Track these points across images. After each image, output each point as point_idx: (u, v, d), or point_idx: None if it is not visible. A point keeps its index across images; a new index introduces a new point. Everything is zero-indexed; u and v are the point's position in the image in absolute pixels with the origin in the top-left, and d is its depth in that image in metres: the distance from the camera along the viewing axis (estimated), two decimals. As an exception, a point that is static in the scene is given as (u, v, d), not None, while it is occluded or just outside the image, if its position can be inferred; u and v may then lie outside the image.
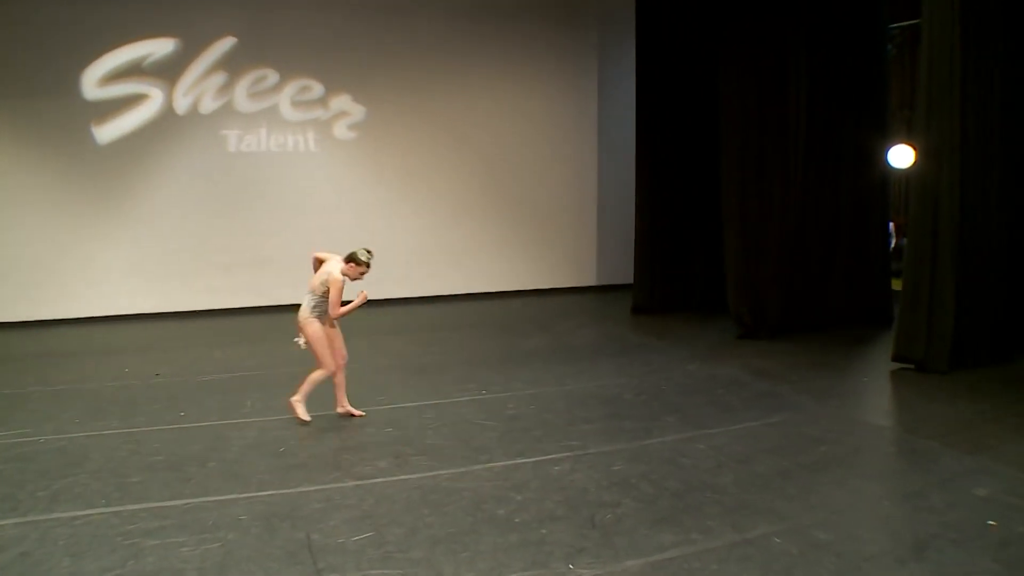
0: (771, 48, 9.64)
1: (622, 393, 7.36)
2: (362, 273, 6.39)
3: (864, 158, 10.23)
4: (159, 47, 11.13)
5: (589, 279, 13.88)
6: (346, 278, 6.33)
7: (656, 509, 4.78)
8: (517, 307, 12.55)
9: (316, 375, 6.51)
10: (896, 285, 9.34)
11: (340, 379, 6.64)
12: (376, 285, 12.25)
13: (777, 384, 7.61)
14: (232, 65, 11.54)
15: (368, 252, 6.38)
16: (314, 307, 6.40)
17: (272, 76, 11.78)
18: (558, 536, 4.44)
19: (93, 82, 10.90)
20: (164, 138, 11.31)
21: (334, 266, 6.33)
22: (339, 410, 6.67)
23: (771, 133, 9.71)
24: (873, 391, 7.77)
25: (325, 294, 6.31)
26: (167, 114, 11.33)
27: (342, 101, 12.25)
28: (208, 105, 11.48)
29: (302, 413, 6.51)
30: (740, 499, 4.90)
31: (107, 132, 11.09)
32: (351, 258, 6.33)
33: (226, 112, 11.56)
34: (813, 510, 4.75)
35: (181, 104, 11.37)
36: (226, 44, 11.45)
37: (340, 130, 12.29)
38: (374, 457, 5.70)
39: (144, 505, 4.93)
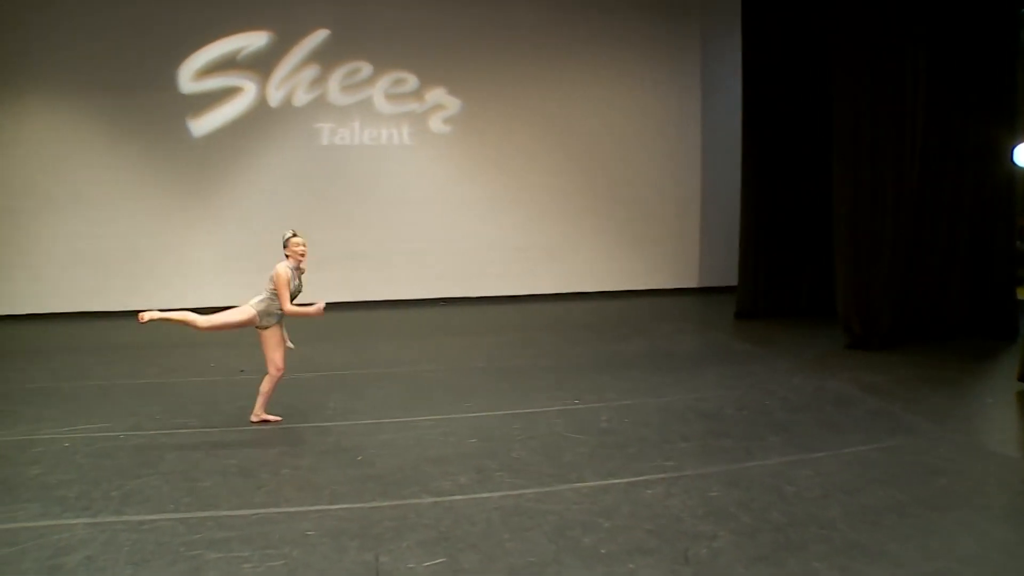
0: (888, 38, 8.80)
1: (723, 407, 6.78)
2: (300, 253, 6.26)
3: (988, 156, 9.25)
4: (253, 40, 11.16)
5: (691, 280, 13.25)
6: (291, 269, 6.20)
7: (756, 545, 4.23)
8: (615, 309, 12.04)
9: (265, 384, 6.37)
10: (1022, 294, 8.40)
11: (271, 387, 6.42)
12: (472, 282, 12.29)
13: (889, 402, 6.86)
14: (325, 58, 11.47)
15: (290, 231, 6.30)
16: (267, 310, 6.22)
17: (366, 69, 11.65)
18: (647, 572, 3.95)
19: (189, 76, 11.02)
20: (257, 131, 11.33)
21: (280, 264, 6.19)
22: (253, 418, 6.41)
23: (886, 129, 8.88)
24: (999, 415, 6.91)
25: (271, 285, 6.17)
26: (261, 107, 11.34)
27: (437, 94, 12.03)
28: (301, 98, 11.43)
29: (269, 416, 6.41)
30: (849, 538, 4.29)
31: (202, 125, 11.20)
32: (283, 246, 6.24)
33: (319, 105, 11.49)
34: (933, 557, 4.08)
35: (274, 97, 11.35)
36: (319, 37, 11.39)
37: (435, 123, 12.07)
38: (455, 471, 5.32)
39: (211, 513, 4.70)
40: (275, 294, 6.18)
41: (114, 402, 7.05)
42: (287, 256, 6.26)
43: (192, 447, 5.88)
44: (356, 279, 11.83)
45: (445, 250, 12.11)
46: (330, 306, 11.49)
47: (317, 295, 11.67)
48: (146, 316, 6.04)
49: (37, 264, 11.14)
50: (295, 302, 6.27)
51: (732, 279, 11.44)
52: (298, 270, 6.36)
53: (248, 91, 11.22)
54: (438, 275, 12.03)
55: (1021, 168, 10.66)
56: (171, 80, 10.97)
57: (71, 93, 10.94)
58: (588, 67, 12.51)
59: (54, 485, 5.18)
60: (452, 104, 12.08)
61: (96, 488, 5.09)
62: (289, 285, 6.18)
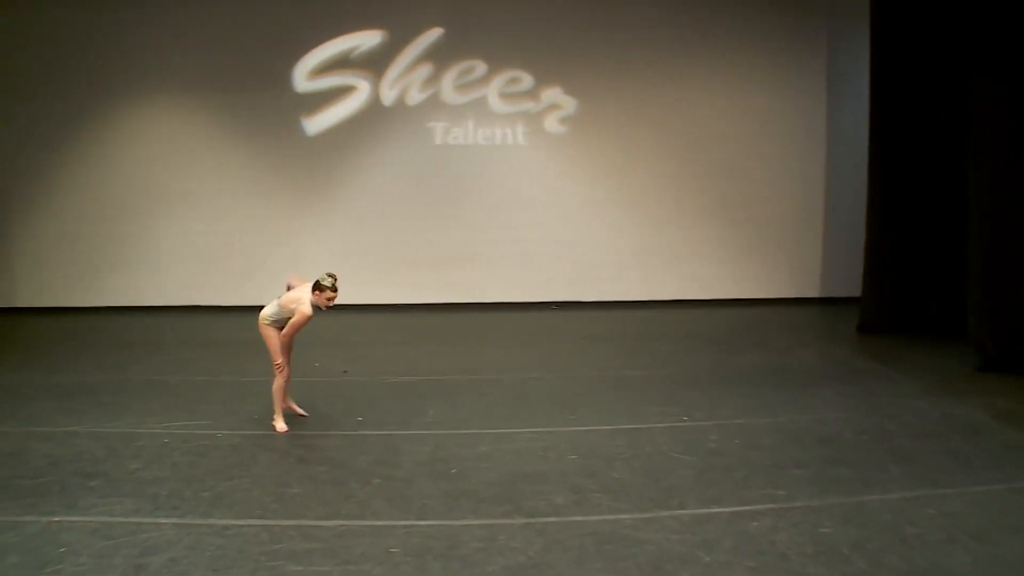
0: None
1: (841, 431, 6.15)
2: (329, 299, 6.08)
3: None
4: (367, 39, 11.16)
5: (812, 290, 12.40)
6: (316, 308, 6.06)
7: (874, 596, 3.70)
8: (732, 317, 11.41)
9: (275, 385, 6.21)
10: None
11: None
12: (586, 287, 11.92)
13: (1028, 435, 6.08)
14: (439, 56, 11.35)
15: (331, 276, 6.09)
16: (275, 319, 6.18)
17: (480, 67, 11.45)
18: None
19: (304, 75, 11.13)
20: (371, 130, 11.33)
21: (306, 296, 6.05)
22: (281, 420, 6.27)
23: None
24: None
25: (288, 314, 6.10)
26: (374, 106, 11.34)
27: (553, 93, 11.70)
28: (415, 97, 11.35)
29: (281, 426, 6.20)
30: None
31: (316, 124, 11.28)
32: (316, 286, 6.05)
33: (433, 104, 11.39)
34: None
35: (388, 96, 11.32)
36: (433, 35, 11.27)
37: (551, 123, 11.74)
38: (551, 490, 4.97)
39: (296, 522, 4.53)
40: (287, 318, 6.11)
41: (217, 399, 7.06)
42: (315, 297, 6.08)
43: (286, 451, 5.79)
44: (469, 280, 11.67)
45: (559, 253, 11.77)
46: (440, 307, 11.62)
47: (429, 295, 11.73)
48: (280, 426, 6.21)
49: (156, 259, 11.49)
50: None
51: (856, 289, 10.60)
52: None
53: (361, 90, 11.23)
54: (552, 278, 11.71)
55: None
56: (286, 79, 11.11)
57: (189, 94, 11.24)
58: (707, 66, 11.90)
59: (149, 482, 5.17)
60: (568, 104, 11.73)
61: (188, 487, 5.05)
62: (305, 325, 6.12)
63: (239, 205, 11.31)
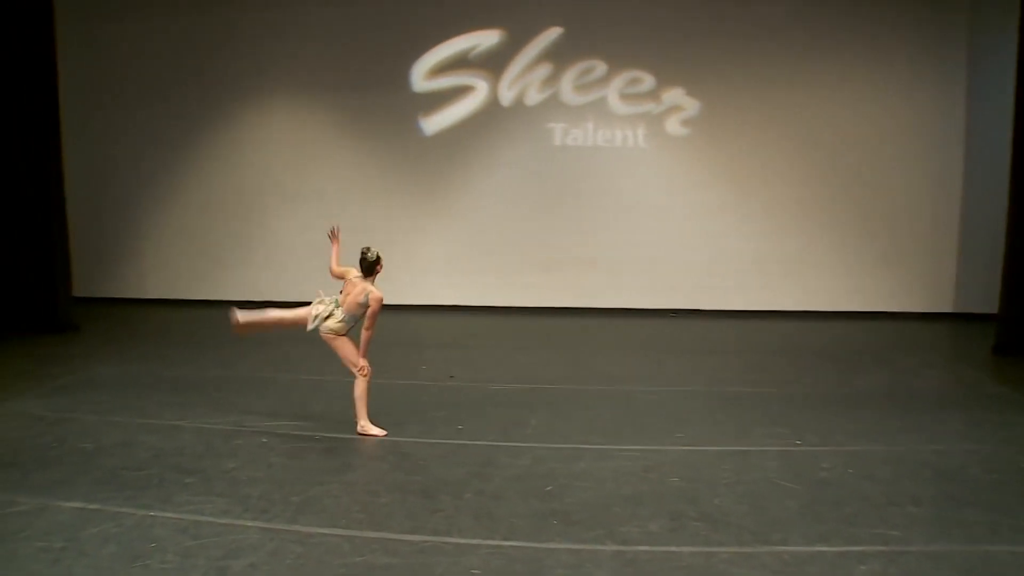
0: None
1: (966, 465, 5.46)
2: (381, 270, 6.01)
3: None
4: (485, 38, 11.07)
5: (944, 305, 11.42)
6: None
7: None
8: (855, 332, 10.66)
9: (359, 389, 6.03)
10: None
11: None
12: (704, 295, 11.41)
13: None
14: (558, 56, 11.14)
15: (369, 249, 6.03)
16: (348, 324, 6.03)
17: (600, 67, 11.16)
18: None
19: (422, 75, 11.13)
20: (488, 130, 11.24)
21: (366, 284, 5.95)
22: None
23: None
24: None
25: (360, 310, 5.92)
26: (492, 106, 11.24)
27: (675, 95, 11.27)
28: (533, 97, 11.17)
29: (376, 430, 6.04)
30: None
31: (434, 124, 11.28)
32: (370, 267, 5.97)
33: (552, 104, 11.18)
34: None
35: (506, 96, 11.19)
36: (552, 34, 11.06)
37: (672, 125, 11.31)
38: (647, 515, 4.62)
39: (380, 535, 4.38)
40: (359, 315, 5.95)
41: (320, 399, 7.08)
42: (374, 277, 6.02)
43: (381, 457, 5.69)
44: (585, 285, 11.40)
45: (678, 259, 11.31)
46: (555, 311, 11.37)
47: (544, 299, 11.50)
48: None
49: (274, 255, 11.84)
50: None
51: (993, 306, 9.63)
52: None
53: (479, 90, 11.16)
54: (670, 285, 11.26)
55: None
56: (404, 79, 11.18)
57: (309, 94, 11.54)
58: (836, 67, 11.15)
59: (243, 482, 5.16)
60: (690, 105, 11.26)
61: (279, 491, 5.01)
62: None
63: (355, 204, 11.45)
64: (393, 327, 10.52)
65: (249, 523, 4.59)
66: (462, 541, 4.30)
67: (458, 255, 11.40)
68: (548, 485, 5.12)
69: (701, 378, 8.11)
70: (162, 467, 5.48)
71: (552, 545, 4.25)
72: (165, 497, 4.99)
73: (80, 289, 12.00)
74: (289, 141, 11.55)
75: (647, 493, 4.96)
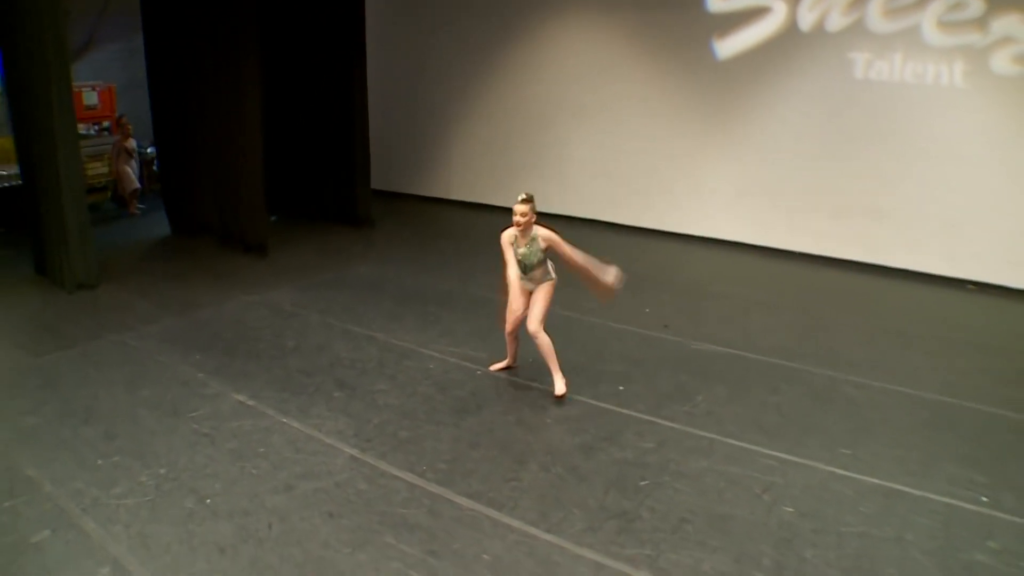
0: None
1: None
2: (515, 222, 5.74)
3: None
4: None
5: None
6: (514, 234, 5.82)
7: None
8: None
9: (544, 347, 5.85)
10: None
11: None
12: (1016, 271, 9.22)
13: None
14: (873, -28, 9.38)
15: (521, 195, 5.80)
16: (545, 270, 5.93)
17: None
18: None
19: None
20: (784, 57, 10.00)
21: (537, 228, 5.81)
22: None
23: None
24: None
25: (544, 254, 5.84)
26: (790, 30, 9.91)
27: (1007, 23, 8.79)
28: (836, 22, 9.62)
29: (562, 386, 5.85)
30: None
31: (727, 47, 10.34)
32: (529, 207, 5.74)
33: (856, 31, 9.52)
34: None
35: (806, 20, 9.79)
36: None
37: (1000, 62, 8.88)
38: (712, 548, 4.13)
39: (442, 491, 4.52)
40: (545, 256, 5.90)
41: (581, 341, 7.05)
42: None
43: (504, 406, 5.71)
44: (874, 238, 9.83)
45: (987, 224, 9.08)
46: (834, 263, 9.97)
47: (831, 247, 10.23)
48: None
49: (566, 170, 11.97)
50: (529, 273, 5.89)
51: None
52: (524, 236, 5.79)
53: (777, 12, 9.85)
54: (976, 253, 9.23)
55: None
56: (699, -2, 10.35)
57: (609, 11, 11.14)
58: None
59: (377, 408, 5.59)
60: (1029, 37, 8.81)
61: (396, 423, 5.41)
62: (511, 248, 5.83)
63: (645, 125, 11.09)
64: (663, 257, 10.20)
65: (348, 450, 5.01)
66: (502, 519, 4.29)
67: (744, 188, 10.51)
68: (645, 479, 4.79)
69: (946, 381, 6.49)
70: (328, 376, 6.14)
71: (581, 552, 4.04)
72: (306, 407, 5.61)
73: (394, 186, 13.57)
74: (585, 57, 11.44)
75: (737, 519, 4.38)
